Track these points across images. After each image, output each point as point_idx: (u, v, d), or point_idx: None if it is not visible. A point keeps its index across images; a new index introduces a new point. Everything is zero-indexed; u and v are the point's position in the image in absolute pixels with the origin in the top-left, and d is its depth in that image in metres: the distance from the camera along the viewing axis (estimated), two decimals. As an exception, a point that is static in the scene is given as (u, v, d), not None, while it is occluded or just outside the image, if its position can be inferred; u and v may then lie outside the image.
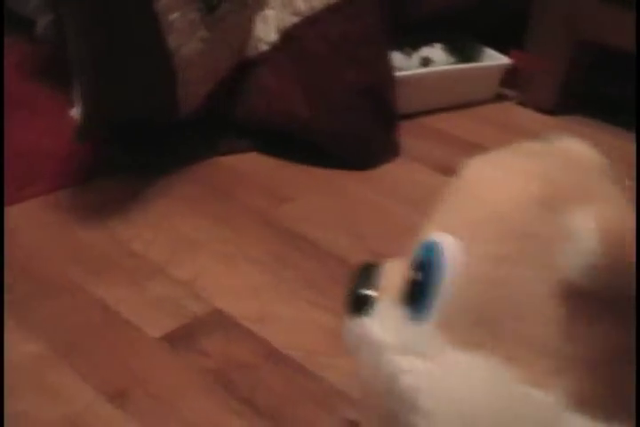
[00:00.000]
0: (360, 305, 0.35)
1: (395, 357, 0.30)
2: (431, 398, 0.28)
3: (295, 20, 1.11)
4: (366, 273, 0.37)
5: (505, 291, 0.34)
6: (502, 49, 1.41)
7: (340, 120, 1.14)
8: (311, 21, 1.10)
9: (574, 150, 0.39)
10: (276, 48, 1.14)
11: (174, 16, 1.03)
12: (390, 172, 1.16)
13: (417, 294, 0.34)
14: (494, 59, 1.41)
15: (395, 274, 0.39)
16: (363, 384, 0.33)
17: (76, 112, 1.09)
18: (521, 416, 0.30)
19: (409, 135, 1.25)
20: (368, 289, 0.36)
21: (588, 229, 0.32)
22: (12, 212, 1.00)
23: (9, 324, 0.80)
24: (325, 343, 0.80)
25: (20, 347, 0.78)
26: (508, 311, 0.33)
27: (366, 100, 1.15)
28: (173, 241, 0.97)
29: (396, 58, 1.30)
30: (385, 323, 0.33)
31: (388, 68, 1.20)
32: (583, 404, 0.31)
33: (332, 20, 1.10)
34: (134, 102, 1.09)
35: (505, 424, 0.29)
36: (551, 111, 1.35)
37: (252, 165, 1.16)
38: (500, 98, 1.43)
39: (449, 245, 0.36)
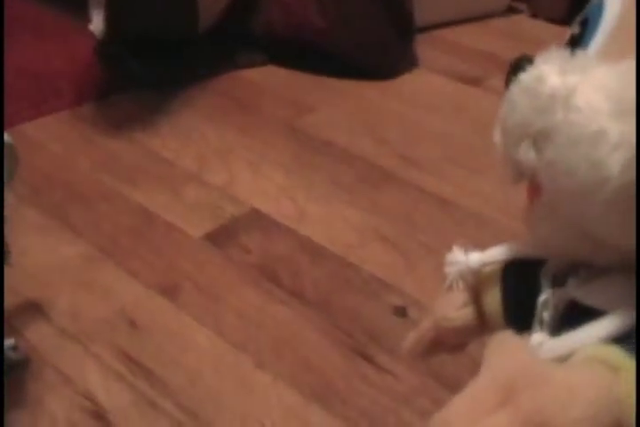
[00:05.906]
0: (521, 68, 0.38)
1: (555, 76, 0.34)
2: (583, 95, 0.33)
3: None
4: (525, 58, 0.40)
5: None
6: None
7: (356, 30, 1.14)
8: None
9: None
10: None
11: None
12: (409, 81, 1.17)
13: (576, 43, 0.37)
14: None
15: None
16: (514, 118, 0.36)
17: (95, 27, 1.09)
18: None
19: (425, 47, 1.26)
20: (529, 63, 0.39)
21: None
22: (29, 128, 1.00)
23: (51, 226, 0.82)
24: (361, 239, 0.82)
25: (65, 248, 0.80)
26: None
27: (383, 10, 1.14)
28: (202, 150, 0.98)
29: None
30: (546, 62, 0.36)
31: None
32: None
33: None
34: (156, 16, 1.08)
35: None
36: (563, 21, 1.35)
37: (271, 77, 1.17)
38: (511, 10, 1.43)
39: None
